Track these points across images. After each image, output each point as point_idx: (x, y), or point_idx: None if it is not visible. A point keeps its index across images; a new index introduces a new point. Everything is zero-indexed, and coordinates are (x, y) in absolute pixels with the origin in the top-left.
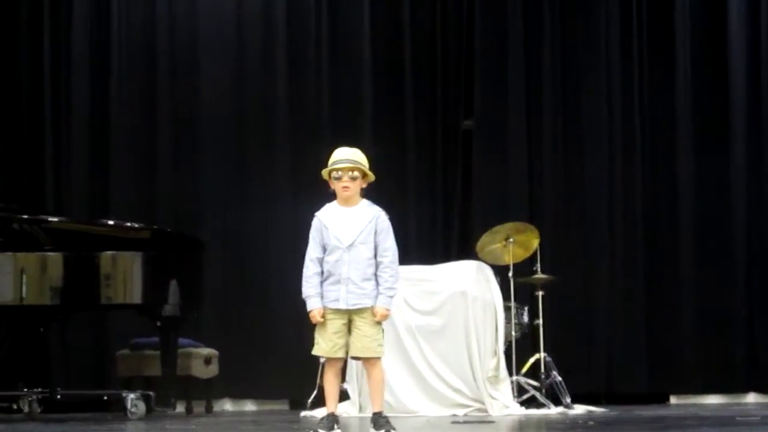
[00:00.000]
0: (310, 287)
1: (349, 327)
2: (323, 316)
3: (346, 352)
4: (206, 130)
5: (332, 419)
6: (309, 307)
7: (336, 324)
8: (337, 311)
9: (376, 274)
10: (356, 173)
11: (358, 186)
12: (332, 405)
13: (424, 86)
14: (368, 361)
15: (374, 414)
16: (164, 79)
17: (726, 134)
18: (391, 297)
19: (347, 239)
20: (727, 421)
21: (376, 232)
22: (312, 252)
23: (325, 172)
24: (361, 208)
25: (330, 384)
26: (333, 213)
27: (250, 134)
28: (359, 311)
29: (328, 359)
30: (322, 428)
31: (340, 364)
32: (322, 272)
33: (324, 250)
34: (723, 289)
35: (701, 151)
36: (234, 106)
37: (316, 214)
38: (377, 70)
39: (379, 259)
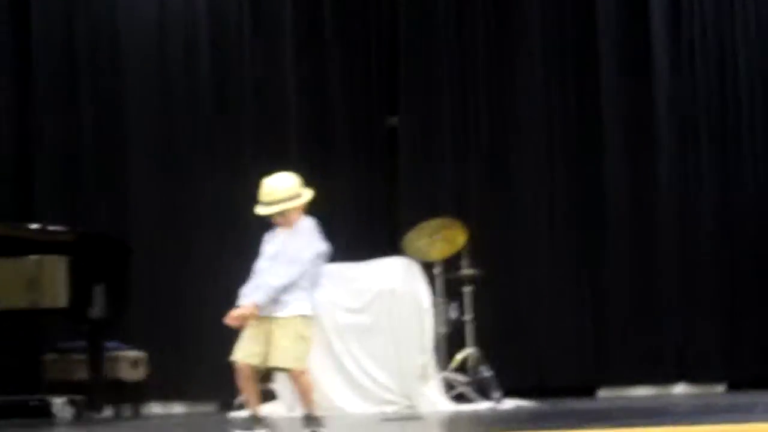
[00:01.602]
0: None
1: (268, 337)
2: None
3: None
4: (131, 132)
5: (255, 419)
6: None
7: (257, 332)
8: (259, 318)
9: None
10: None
11: (291, 216)
12: (255, 407)
13: (349, 84)
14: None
15: (305, 415)
16: (85, 66)
17: (651, 133)
18: (269, 297)
19: (272, 251)
20: (655, 412)
21: (296, 246)
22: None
23: None
24: (293, 228)
25: (249, 386)
26: (276, 233)
27: (176, 136)
28: (277, 321)
29: (248, 365)
30: (244, 429)
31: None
32: None
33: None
34: (651, 280)
35: (629, 147)
36: (159, 104)
37: (265, 235)
38: (301, 68)
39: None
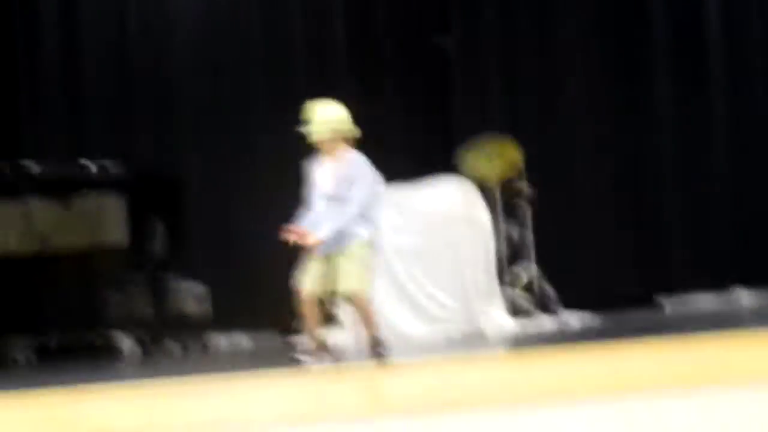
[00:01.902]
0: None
1: (328, 269)
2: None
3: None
4: (182, 72)
5: (320, 346)
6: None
7: (318, 264)
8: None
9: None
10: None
11: (334, 143)
12: (317, 336)
13: (397, 2)
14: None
15: (370, 337)
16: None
17: (704, 64)
18: (329, 231)
19: (326, 191)
20: (720, 321)
21: (350, 182)
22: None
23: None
24: (340, 160)
25: (310, 315)
26: (318, 164)
27: (227, 66)
28: (341, 252)
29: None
30: (307, 355)
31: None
32: None
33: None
34: (706, 186)
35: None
36: (208, 36)
37: (309, 164)
38: None
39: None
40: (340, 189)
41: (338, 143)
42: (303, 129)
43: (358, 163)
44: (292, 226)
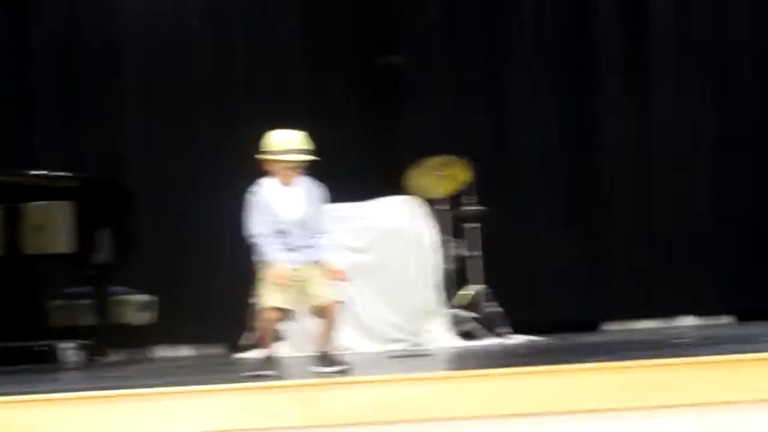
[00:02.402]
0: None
1: (299, 285)
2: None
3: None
4: (131, 74)
5: (269, 360)
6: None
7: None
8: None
9: None
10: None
11: (299, 170)
12: (270, 348)
13: (350, 22)
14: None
15: (322, 353)
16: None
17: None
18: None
19: (294, 217)
20: (659, 344)
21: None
22: (258, 227)
23: (268, 157)
24: (301, 185)
25: (271, 331)
26: (274, 190)
27: (174, 80)
28: (310, 266)
29: (277, 311)
30: (258, 370)
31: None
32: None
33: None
34: (652, 210)
35: (624, 85)
36: (157, 48)
37: (255, 189)
38: (302, 6)
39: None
40: (305, 214)
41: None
42: (284, 155)
43: (313, 186)
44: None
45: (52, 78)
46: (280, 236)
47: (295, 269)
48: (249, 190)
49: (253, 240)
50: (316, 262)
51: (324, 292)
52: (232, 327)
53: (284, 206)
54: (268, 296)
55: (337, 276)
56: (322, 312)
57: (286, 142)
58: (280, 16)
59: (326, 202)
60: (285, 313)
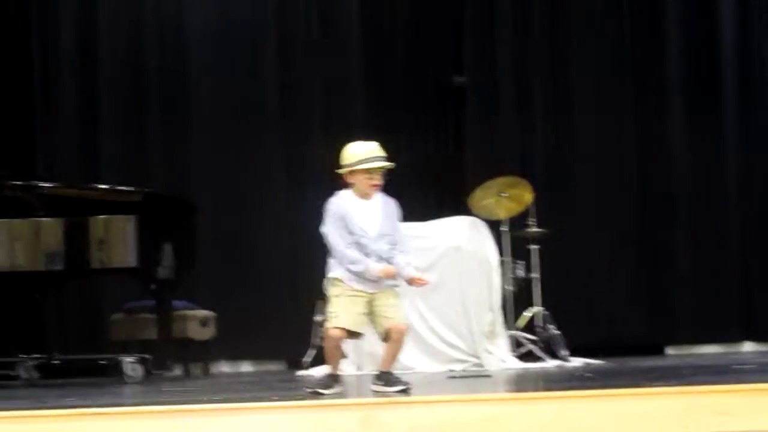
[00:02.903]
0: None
1: (369, 307)
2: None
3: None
4: (196, 92)
5: (332, 378)
6: (372, 268)
7: (359, 302)
8: (362, 291)
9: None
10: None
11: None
12: (336, 368)
13: (414, 44)
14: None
15: (383, 372)
16: (152, 37)
17: (716, 95)
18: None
19: (372, 230)
20: (723, 369)
21: (392, 219)
22: (336, 238)
23: (348, 169)
24: (377, 199)
25: (338, 350)
26: (352, 203)
27: (241, 93)
28: (382, 292)
29: (345, 332)
30: (321, 388)
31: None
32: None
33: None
34: (718, 238)
35: (692, 106)
36: (224, 66)
37: (333, 200)
38: (366, 29)
39: (398, 247)
40: (385, 227)
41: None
42: (379, 162)
43: (390, 202)
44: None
45: (118, 92)
46: (357, 248)
47: (367, 288)
48: (327, 201)
49: (331, 251)
50: (390, 286)
51: (395, 314)
52: (292, 343)
53: (362, 219)
54: (338, 315)
55: (418, 282)
56: (389, 334)
57: (367, 151)
58: (343, 35)
59: (401, 219)
60: (352, 334)
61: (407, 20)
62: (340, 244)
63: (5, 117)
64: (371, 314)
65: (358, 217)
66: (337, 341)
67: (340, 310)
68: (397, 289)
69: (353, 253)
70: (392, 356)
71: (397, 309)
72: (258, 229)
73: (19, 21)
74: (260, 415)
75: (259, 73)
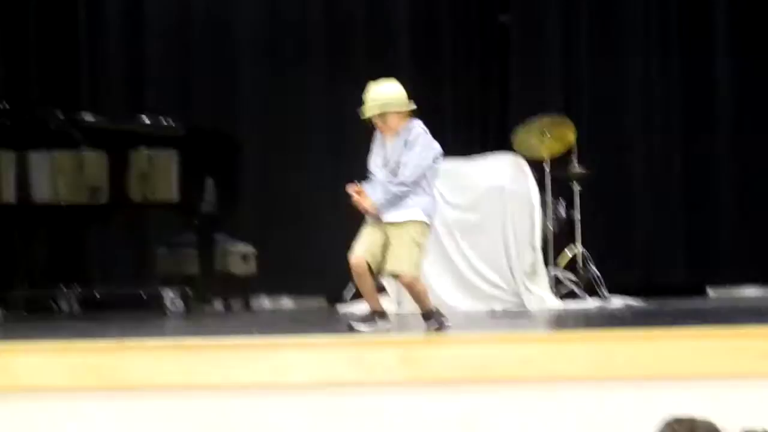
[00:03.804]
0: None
1: (387, 241)
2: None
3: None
4: (242, 30)
5: (375, 314)
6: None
7: (378, 234)
8: (377, 223)
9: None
10: (382, 115)
11: (391, 122)
12: (374, 302)
13: None
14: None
15: (425, 312)
16: None
17: (762, 35)
18: (387, 200)
19: (381, 158)
20: (764, 311)
21: (408, 148)
22: (371, 167)
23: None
24: (400, 132)
25: (364, 282)
26: (382, 138)
27: (286, 37)
28: (394, 226)
29: (366, 262)
30: (361, 323)
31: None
32: None
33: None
34: (760, 180)
35: (738, 51)
36: (269, 5)
37: (376, 133)
38: None
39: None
40: (395, 156)
41: (393, 119)
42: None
43: (416, 132)
44: (357, 188)
45: (165, 30)
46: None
47: (378, 221)
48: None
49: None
50: (400, 223)
51: (398, 262)
52: (332, 279)
53: (380, 150)
54: (356, 245)
55: (360, 197)
56: (395, 278)
57: (364, 97)
58: None
59: (434, 151)
60: (371, 269)
61: None
62: (370, 176)
63: (50, 51)
64: (382, 248)
65: (378, 149)
66: (357, 271)
67: (360, 240)
68: (411, 232)
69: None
70: (417, 300)
71: (400, 258)
72: (298, 166)
73: None
74: (300, 351)
75: (303, 14)
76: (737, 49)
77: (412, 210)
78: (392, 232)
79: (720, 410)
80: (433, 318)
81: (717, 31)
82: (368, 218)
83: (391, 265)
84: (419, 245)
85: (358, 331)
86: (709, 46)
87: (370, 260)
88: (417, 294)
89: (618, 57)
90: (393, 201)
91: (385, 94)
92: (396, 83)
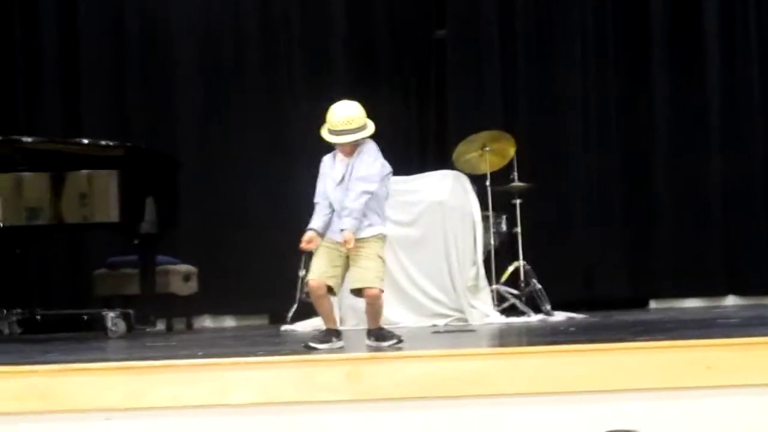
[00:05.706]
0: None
1: (346, 262)
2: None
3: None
4: (177, 48)
5: (331, 333)
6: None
7: (335, 256)
8: (338, 244)
9: (371, 206)
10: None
11: (355, 144)
12: (331, 322)
13: None
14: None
15: (372, 329)
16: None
17: (699, 45)
18: (357, 219)
19: (338, 176)
20: (707, 323)
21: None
22: (317, 196)
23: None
24: (357, 154)
25: (323, 303)
26: (335, 162)
27: (222, 53)
28: (358, 242)
29: (324, 284)
30: (316, 342)
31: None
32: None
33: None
34: (699, 192)
35: (675, 63)
36: (204, 21)
37: (324, 159)
38: None
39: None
40: (353, 172)
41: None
42: (324, 135)
43: (371, 151)
44: (306, 237)
45: (101, 48)
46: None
47: (333, 241)
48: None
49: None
50: (364, 239)
51: (363, 276)
52: (275, 298)
53: (335, 178)
54: (314, 267)
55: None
56: (360, 294)
57: (329, 122)
58: None
59: (385, 171)
60: (330, 288)
61: None
62: (317, 204)
63: None
64: (348, 269)
65: (332, 176)
66: (317, 293)
67: (316, 261)
68: (375, 247)
69: (317, 210)
70: (373, 316)
71: (368, 271)
72: (238, 184)
73: None
74: (246, 371)
75: (240, 30)
76: (674, 60)
77: (374, 226)
78: (355, 249)
79: (662, 423)
80: (385, 334)
81: (653, 46)
82: (321, 240)
83: (359, 281)
84: (383, 259)
85: (315, 350)
86: (646, 59)
87: (328, 281)
88: (378, 309)
89: (556, 71)
90: (360, 218)
91: (356, 119)
92: (357, 105)
